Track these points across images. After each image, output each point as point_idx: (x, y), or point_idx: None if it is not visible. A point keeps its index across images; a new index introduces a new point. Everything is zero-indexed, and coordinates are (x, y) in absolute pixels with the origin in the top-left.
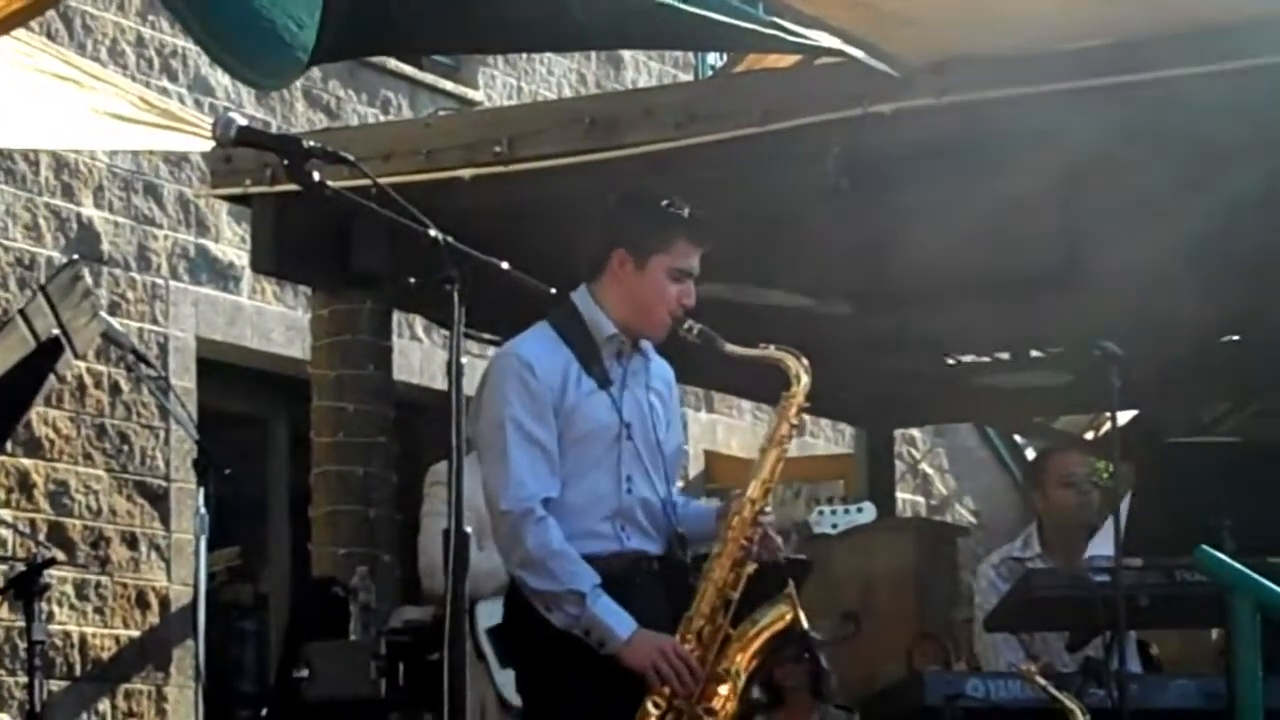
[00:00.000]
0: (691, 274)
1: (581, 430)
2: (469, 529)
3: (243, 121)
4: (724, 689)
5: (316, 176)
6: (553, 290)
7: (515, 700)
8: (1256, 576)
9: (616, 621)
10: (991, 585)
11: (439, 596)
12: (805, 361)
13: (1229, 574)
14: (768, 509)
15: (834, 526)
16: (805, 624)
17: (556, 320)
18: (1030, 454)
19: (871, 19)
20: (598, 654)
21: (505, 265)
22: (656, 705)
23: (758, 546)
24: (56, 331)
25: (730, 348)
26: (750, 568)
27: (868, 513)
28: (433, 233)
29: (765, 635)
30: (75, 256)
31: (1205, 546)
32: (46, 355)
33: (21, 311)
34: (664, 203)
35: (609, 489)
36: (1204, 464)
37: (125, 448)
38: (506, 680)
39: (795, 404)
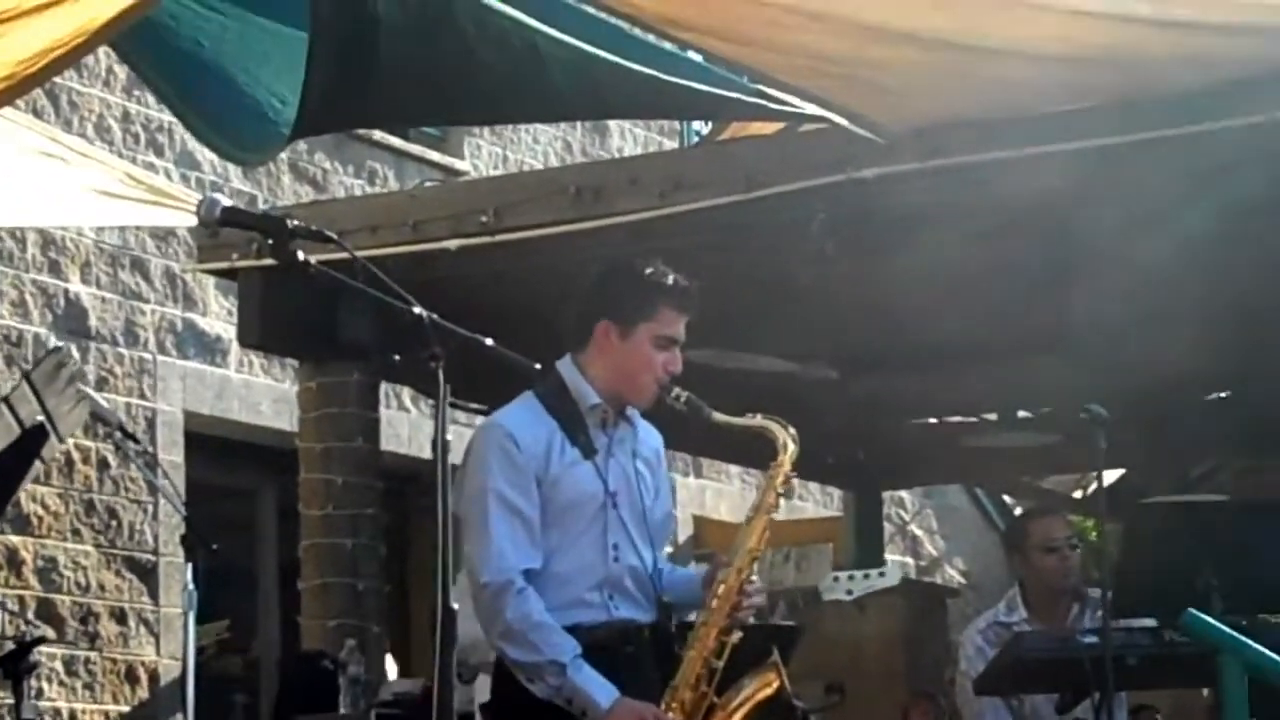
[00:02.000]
0: (677, 341)
1: (566, 500)
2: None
3: (227, 202)
4: None
5: (301, 255)
6: (537, 365)
7: None
8: (1244, 639)
9: (598, 690)
10: (979, 651)
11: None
12: (792, 430)
13: (1217, 637)
14: (754, 578)
15: (849, 593)
16: (790, 692)
17: (541, 391)
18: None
19: (853, 87)
20: None
21: (489, 341)
22: None
23: (742, 610)
24: (41, 418)
25: (718, 416)
26: (735, 636)
27: (891, 575)
28: (416, 310)
29: (750, 704)
30: (59, 345)
31: (1193, 610)
32: (31, 441)
33: (5, 399)
34: (648, 271)
35: (595, 558)
36: (1191, 523)
37: (113, 523)
38: None
39: (783, 473)
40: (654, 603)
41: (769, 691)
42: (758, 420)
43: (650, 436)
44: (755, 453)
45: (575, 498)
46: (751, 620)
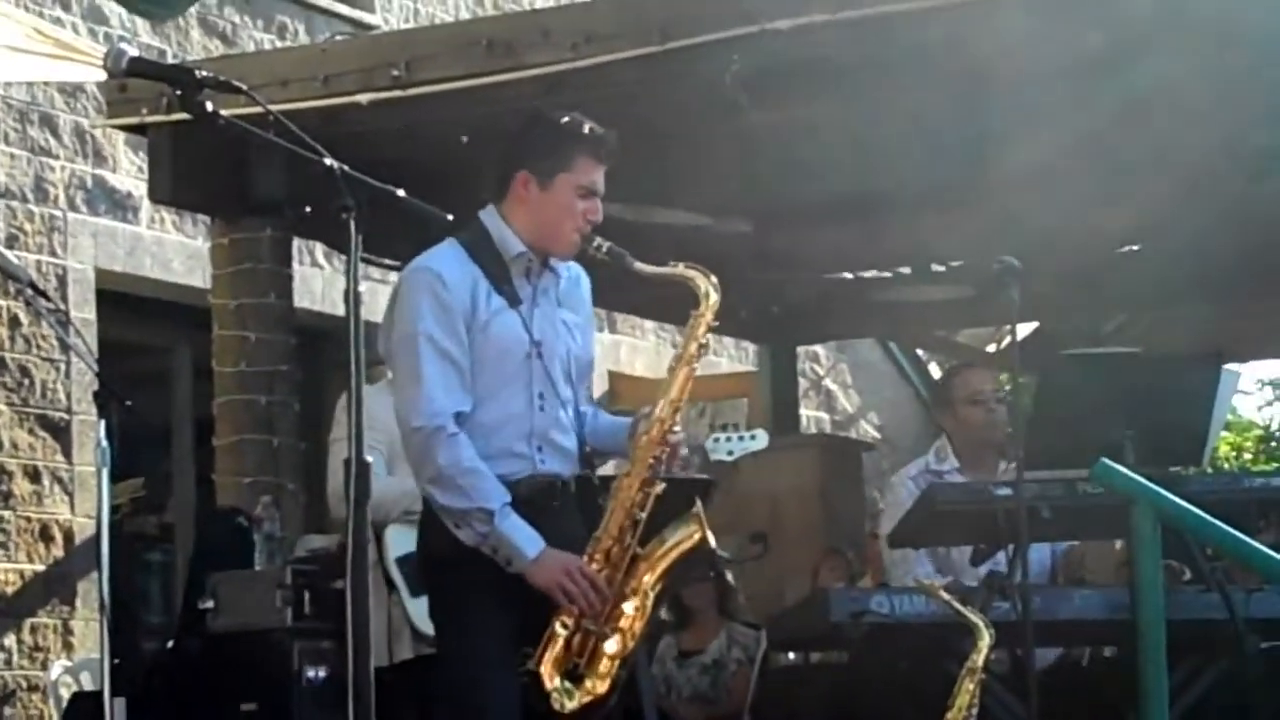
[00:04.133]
0: (596, 191)
1: (493, 348)
2: (380, 452)
3: (134, 52)
4: (631, 608)
5: (210, 106)
6: (449, 216)
7: (428, 628)
8: (1156, 488)
9: (524, 540)
10: (911, 496)
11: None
12: (714, 279)
13: (1129, 486)
14: (676, 428)
15: (730, 454)
16: (713, 543)
17: (464, 238)
18: (934, 368)
19: None
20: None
21: (401, 192)
22: (565, 625)
23: (665, 462)
24: None
25: (639, 265)
26: (659, 488)
27: (760, 439)
28: (328, 161)
29: (674, 554)
30: None
31: (1105, 459)
32: None
33: None
34: (564, 121)
35: (522, 407)
36: (1103, 375)
37: (26, 381)
38: (419, 610)
39: (704, 322)
40: (579, 454)
41: (692, 542)
42: (680, 269)
43: (575, 282)
44: (671, 307)
45: (502, 346)
46: (676, 473)
